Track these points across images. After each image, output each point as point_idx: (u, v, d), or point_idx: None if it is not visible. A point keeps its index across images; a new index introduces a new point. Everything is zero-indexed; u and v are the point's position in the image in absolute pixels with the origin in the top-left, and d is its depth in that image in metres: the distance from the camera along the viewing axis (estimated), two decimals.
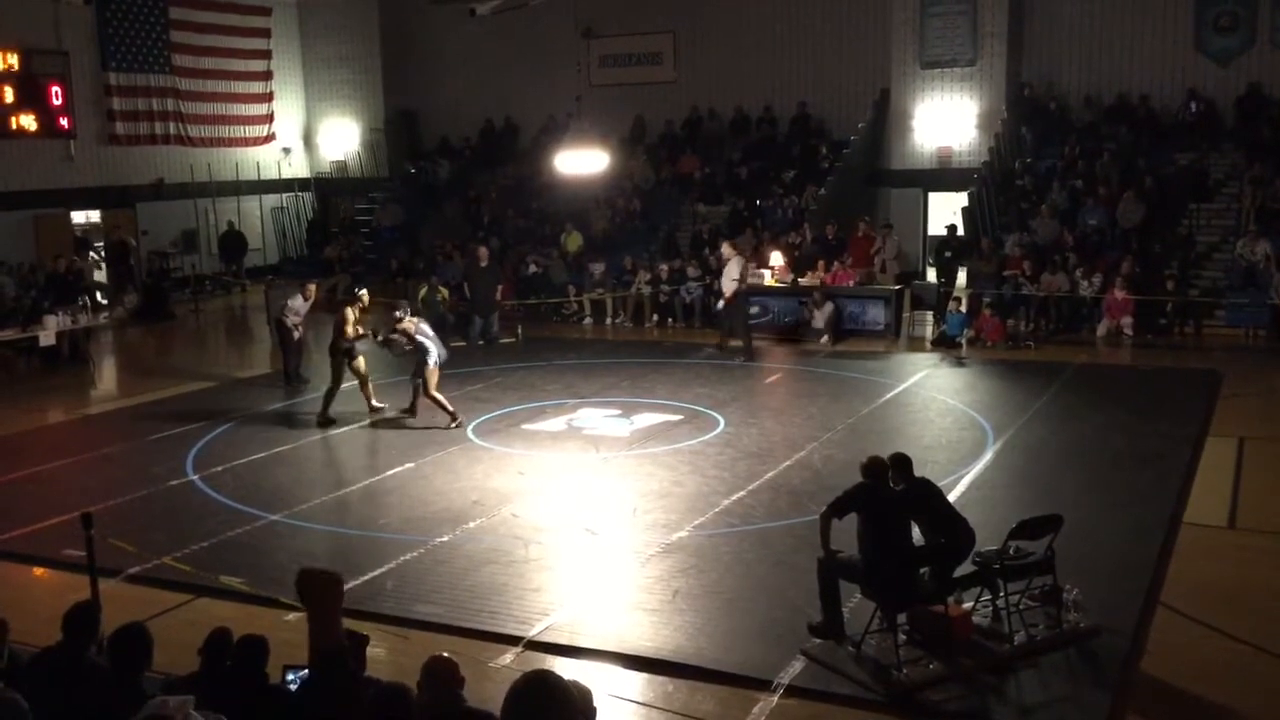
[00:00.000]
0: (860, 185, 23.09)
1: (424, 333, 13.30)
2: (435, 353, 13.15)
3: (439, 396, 13.17)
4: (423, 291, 19.17)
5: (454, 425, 13.07)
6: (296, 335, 15.55)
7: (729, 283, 17.15)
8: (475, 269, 19.21)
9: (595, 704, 4.20)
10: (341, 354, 13.66)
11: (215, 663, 5.25)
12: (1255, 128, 20.27)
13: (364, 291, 14.46)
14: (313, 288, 15.81)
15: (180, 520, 10.20)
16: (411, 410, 13.65)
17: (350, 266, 24.96)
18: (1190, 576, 8.41)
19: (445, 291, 19.32)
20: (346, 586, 8.88)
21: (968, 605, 7.47)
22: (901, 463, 7.53)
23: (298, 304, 15.46)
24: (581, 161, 17.81)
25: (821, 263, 19.40)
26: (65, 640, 5.23)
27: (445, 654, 4.83)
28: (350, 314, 13.64)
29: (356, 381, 13.90)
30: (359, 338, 13.66)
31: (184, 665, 5.49)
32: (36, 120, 22.65)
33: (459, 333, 18.90)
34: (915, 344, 18.34)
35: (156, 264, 24.42)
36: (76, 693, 4.99)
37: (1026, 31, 22.53)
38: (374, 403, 13.97)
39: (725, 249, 17.81)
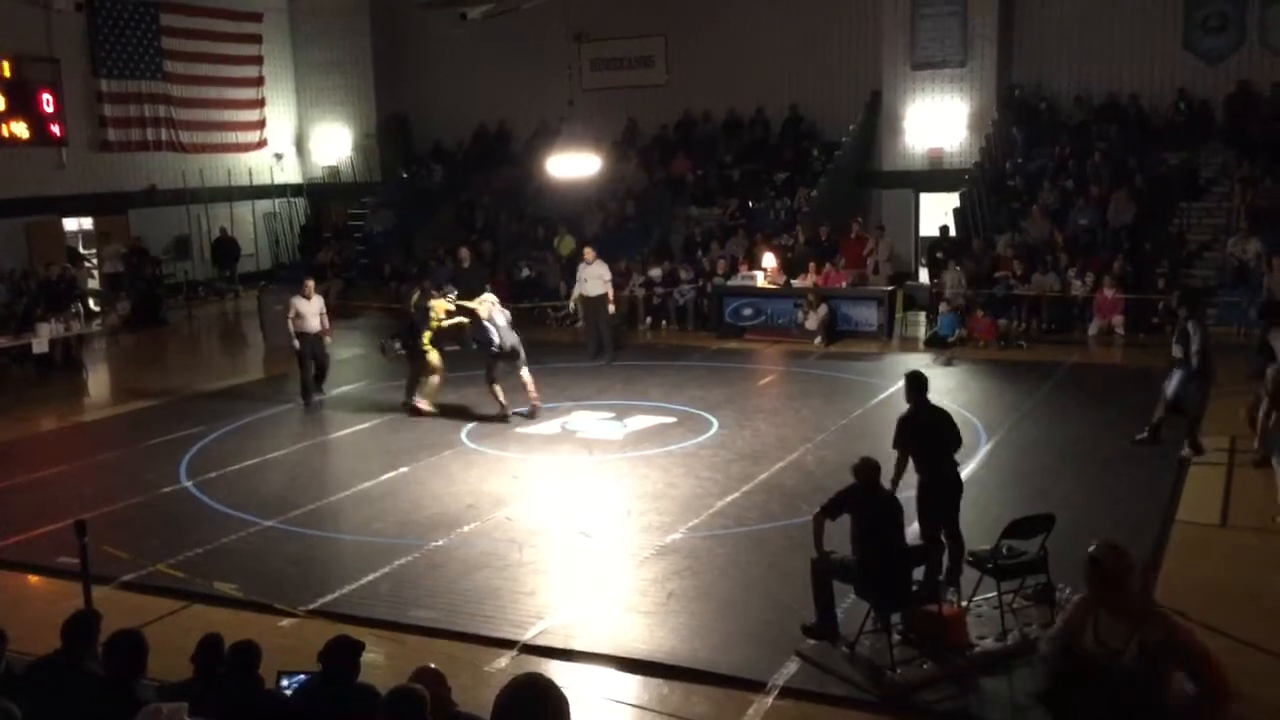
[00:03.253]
0: (852, 186, 23.13)
1: (494, 320, 13.57)
2: (499, 342, 13.45)
3: (497, 388, 13.55)
4: (414, 297, 19.10)
5: (502, 417, 13.43)
6: (296, 345, 14.61)
7: (600, 284, 17.20)
8: (460, 271, 19.19)
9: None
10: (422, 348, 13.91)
11: (208, 669, 5.25)
12: (1245, 126, 20.33)
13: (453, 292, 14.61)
14: (310, 284, 15.08)
15: (174, 527, 10.19)
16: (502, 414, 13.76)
17: (344, 272, 24.97)
18: (1183, 575, 8.43)
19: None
20: (342, 591, 8.94)
21: (962, 605, 7.49)
22: (917, 381, 8.06)
23: (299, 303, 14.62)
24: (574, 165, 17.81)
25: (813, 264, 19.44)
26: (64, 648, 5.23)
27: (433, 666, 4.80)
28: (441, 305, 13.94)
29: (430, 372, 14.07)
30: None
31: (178, 672, 5.49)
32: (28, 127, 22.60)
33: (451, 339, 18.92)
34: (908, 345, 18.38)
35: (149, 270, 24.39)
36: (72, 700, 5.00)
37: (1016, 32, 22.58)
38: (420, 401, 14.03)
39: (588, 252, 17.75)
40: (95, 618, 5.47)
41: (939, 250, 20.05)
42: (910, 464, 8.16)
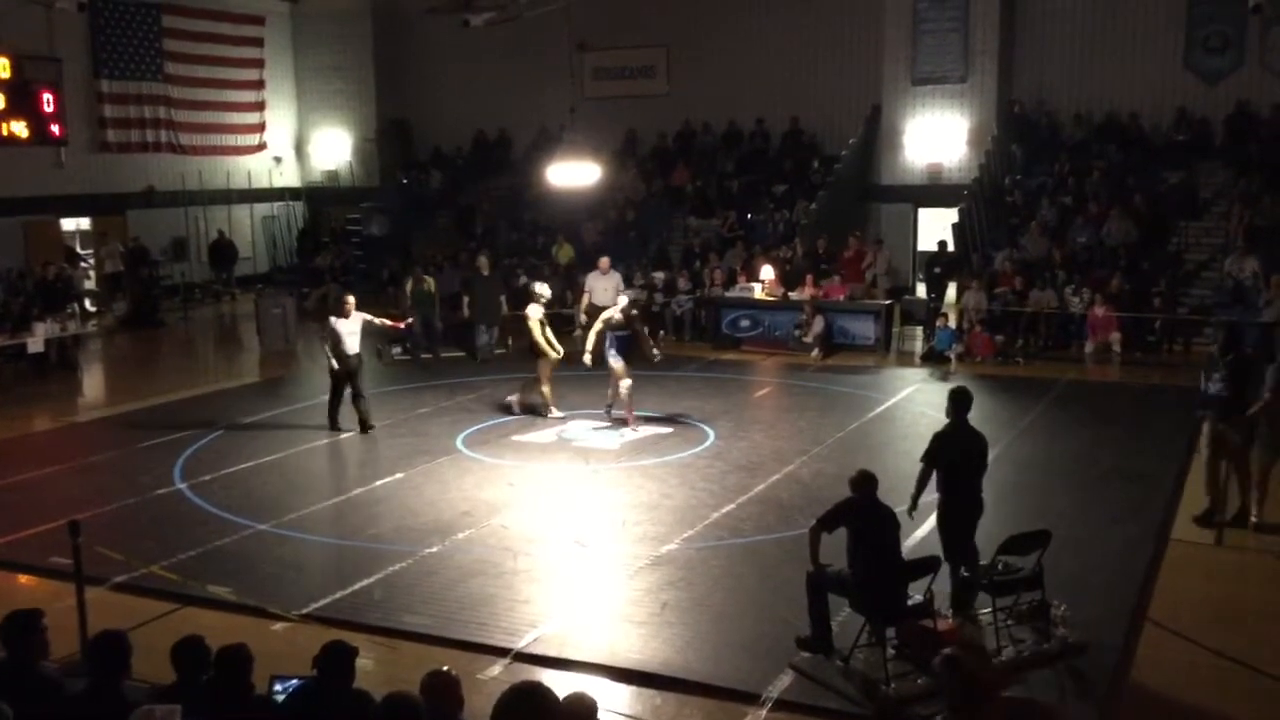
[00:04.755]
0: (851, 200, 23.17)
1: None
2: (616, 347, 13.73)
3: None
4: (409, 285, 19.00)
5: (633, 429, 13.45)
6: (335, 366, 13.27)
7: (612, 294, 16.65)
8: (478, 279, 18.97)
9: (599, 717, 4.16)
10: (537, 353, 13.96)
11: (187, 672, 5.16)
12: (1244, 146, 20.40)
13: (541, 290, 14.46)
14: (351, 302, 13.54)
15: (168, 529, 10.16)
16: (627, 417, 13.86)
17: (341, 276, 24.96)
18: (1178, 592, 8.44)
19: (431, 281, 19.14)
20: (336, 596, 8.92)
21: (957, 620, 7.48)
22: (959, 398, 7.87)
23: (337, 324, 13.28)
24: (574, 173, 17.80)
25: (811, 277, 19.45)
26: (8, 652, 5.07)
27: (447, 669, 4.78)
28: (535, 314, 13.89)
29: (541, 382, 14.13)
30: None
31: (170, 675, 5.45)
32: (28, 127, 22.55)
33: (452, 343, 18.87)
34: (905, 359, 18.39)
35: (146, 271, 24.37)
36: (60, 703, 4.95)
37: (1017, 49, 22.65)
38: (553, 409, 14.18)
39: (603, 262, 17.42)
40: (36, 617, 5.21)
41: (937, 265, 20.08)
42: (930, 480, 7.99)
